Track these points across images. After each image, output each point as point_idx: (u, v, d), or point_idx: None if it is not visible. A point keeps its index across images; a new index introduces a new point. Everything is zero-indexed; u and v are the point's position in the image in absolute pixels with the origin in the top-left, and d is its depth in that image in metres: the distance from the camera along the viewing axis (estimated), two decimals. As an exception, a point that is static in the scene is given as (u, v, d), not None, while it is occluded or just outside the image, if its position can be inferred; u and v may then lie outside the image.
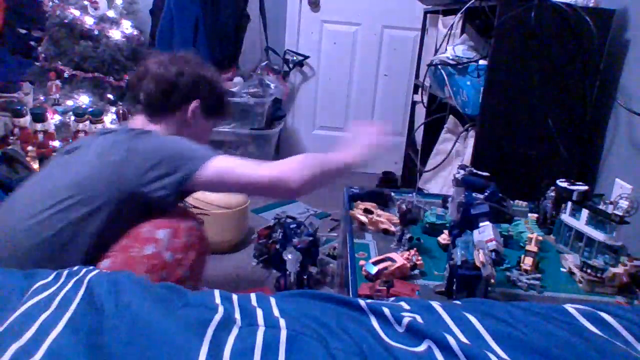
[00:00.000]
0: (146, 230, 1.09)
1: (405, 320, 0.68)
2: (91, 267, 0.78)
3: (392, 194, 1.56)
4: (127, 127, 1.29)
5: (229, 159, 1.15)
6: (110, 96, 2.60)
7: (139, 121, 1.28)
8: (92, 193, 1.07)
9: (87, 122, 2.31)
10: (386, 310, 0.70)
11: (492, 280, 0.95)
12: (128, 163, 1.10)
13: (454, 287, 0.96)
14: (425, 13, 2.71)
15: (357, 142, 1.30)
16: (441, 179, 2.12)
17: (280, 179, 1.11)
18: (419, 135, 2.62)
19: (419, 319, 0.69)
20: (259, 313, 0.67)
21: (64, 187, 1.08)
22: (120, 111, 2.48)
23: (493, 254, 0.92)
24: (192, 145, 1.16)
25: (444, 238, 1.23)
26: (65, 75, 2.48)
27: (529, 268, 1.11)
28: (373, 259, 1.08)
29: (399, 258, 1.07)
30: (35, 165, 2.01)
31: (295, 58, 3.25)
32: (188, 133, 1.26)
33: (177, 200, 1.15)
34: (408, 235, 1.20)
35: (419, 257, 1.10)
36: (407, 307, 0.75)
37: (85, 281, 0.71)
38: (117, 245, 1.07)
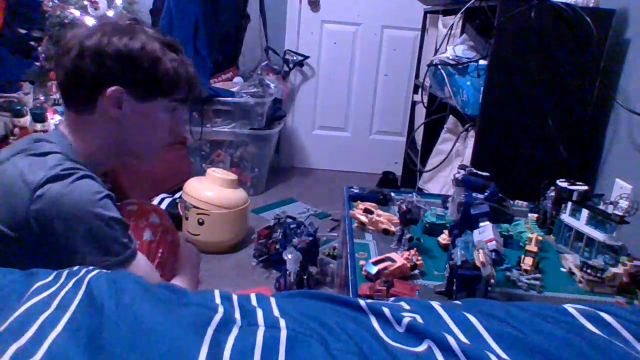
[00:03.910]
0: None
1: (405, 320, 0.68)
2: (91, 267, 0.78)
3: (392, 194, 1.56)
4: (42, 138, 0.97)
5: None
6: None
7: (63, 122, 1.00)
8: None
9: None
10: (386, 310, 0.70)
11: (492, 280, 0.95)
12: None
13: (454, 287, 0.96)
14: (425, 13, 2.71)
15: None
16: (441, 179, 2.12)
17: None
18: (419, 135, 2.63)
19: (419, 319, 0.69)
20: (259, 313, 0.67)
21: None
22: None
23: (493, 254, 0.92)
24: None
25: (444, 238, 1.23)
26: (65, 75, 2.48)
27: (529, 268, 1.11)
28: (373, 259, 1.08)
29: (399, 258, 1.07)
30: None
31: (295, 58, 3.25)
32: (126, 134, 0.98)
33: None
34: (408, 235, 1.20)
35: (419, 257, 1.10)
36: (407, 307, 0.75)
37: (85, 281, 0.71)
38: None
